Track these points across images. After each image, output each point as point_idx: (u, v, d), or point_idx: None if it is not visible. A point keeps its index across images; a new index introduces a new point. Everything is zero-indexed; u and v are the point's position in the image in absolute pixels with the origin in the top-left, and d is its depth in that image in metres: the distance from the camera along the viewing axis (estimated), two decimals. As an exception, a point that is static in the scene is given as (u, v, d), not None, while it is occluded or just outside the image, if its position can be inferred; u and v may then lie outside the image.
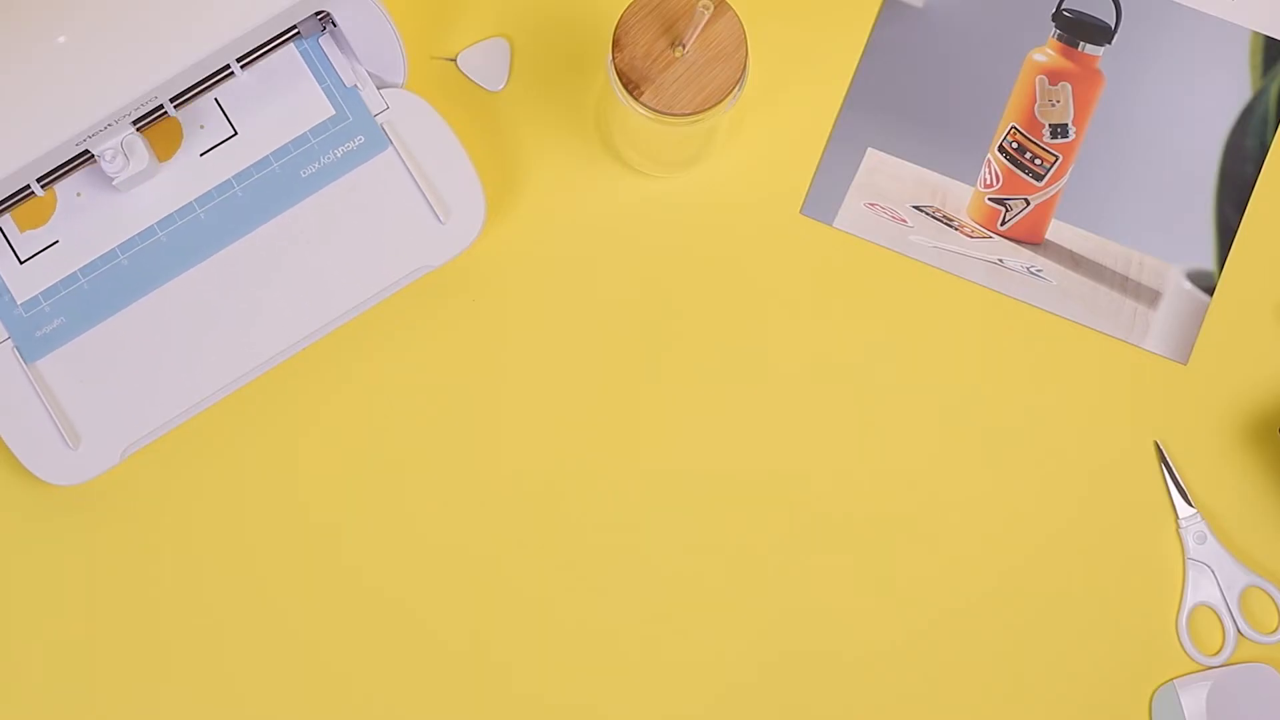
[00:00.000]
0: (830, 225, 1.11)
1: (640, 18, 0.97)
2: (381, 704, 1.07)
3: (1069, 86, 1.12)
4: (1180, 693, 1.07)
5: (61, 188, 1.06)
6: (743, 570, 1.09)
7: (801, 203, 1.11)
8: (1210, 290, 1.11)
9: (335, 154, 1.07)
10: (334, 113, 1.07)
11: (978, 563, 1.09)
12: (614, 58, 0.97)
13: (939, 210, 1.11)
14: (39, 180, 1.02)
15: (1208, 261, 1.11)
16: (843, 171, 1.11)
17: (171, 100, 1.02)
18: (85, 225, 1.06)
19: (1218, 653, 1.09)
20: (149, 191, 1.06)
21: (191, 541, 1.08)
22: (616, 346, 1.10)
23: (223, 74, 1.03)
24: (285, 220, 1.06)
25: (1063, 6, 1.12)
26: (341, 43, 1.06)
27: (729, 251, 1.11)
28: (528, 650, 1.08)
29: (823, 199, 1.11)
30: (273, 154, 1.07)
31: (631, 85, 0.97)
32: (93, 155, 1.02)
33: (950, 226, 1.11)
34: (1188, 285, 1.11)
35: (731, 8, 0.99)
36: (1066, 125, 1.12)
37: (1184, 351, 1.10)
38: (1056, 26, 1.12)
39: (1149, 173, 1.12)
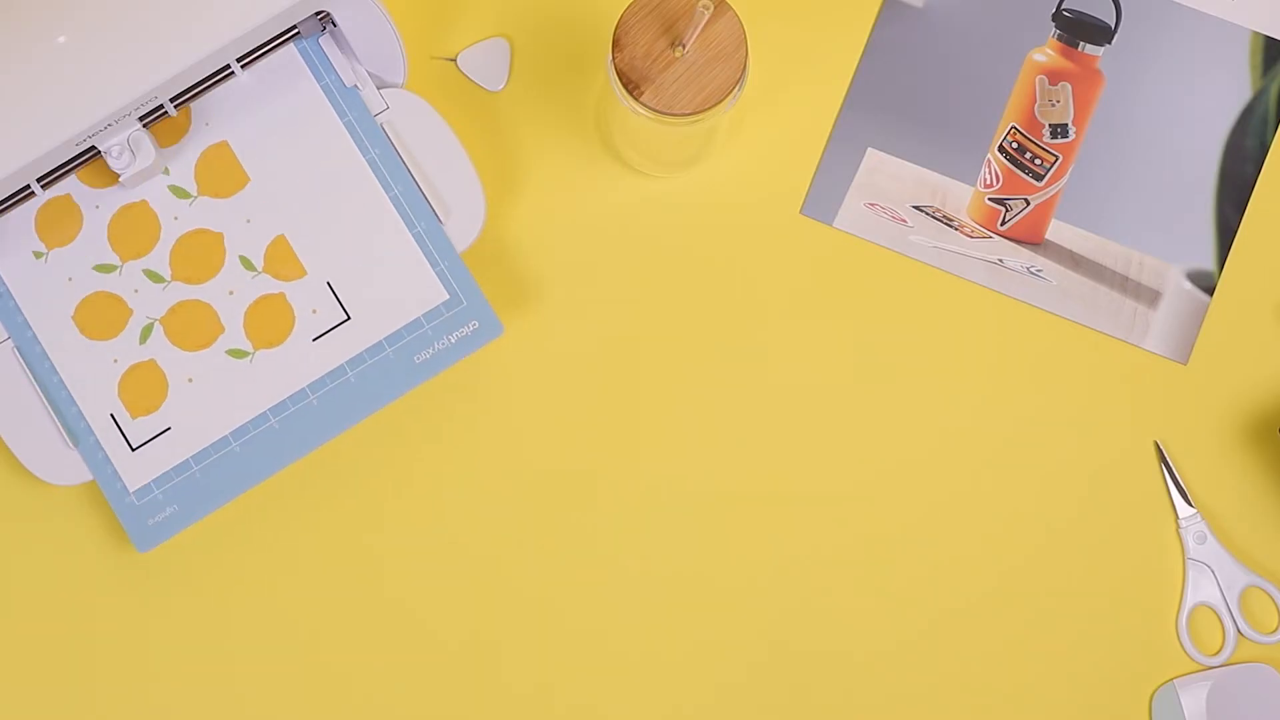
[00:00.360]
0: (830, 225, 1.11)
1: (640, 18, 0.97)
2: (381, 704, 1.07)
3: (1069, 86, 1.12)
4: (1180, 693, 1.07)
5: (172, 372, 1.04)
6: (742, 570, 1.08)
7: (801, 203, 1.11)
8: (1210, 290, 1.11)
9: (449, 339, 1.04)
10: (448, 297, 1.04)
11: (978, 563, 1.09)
12: (614, 58, 0.97)
13: (939, 210, 1.11)
14: (39, 180, 1.02)
15: (1208, 261, 1.11)
16: (843, 171, 1.11)
17: (172, 100, 1.02)
18: (198, 411, 1.04)
19: (1218, 653, 1.09)
20: (263, 378, 1.04)
21: (191, 540, 1.08)
22: (615, 346, 1.10)
23: (223, 74, 1.03)
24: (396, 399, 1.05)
25: (1063, 6, 1.12)
26: (341, 43, 1.06)
27: (729, 251, 1.11)
28: (528, 650, 1.08)
29: (823, 199, 1.11)
30: (386, 339, 1.04)
31: (631, 85, 0.97)
32: (98, 152, 1.02)
33: (950, 226, 1.11)
34: (1188, 285, 1.11)
35: (731, 8, 0.99)
36: (1066, 125, 1.12)
37: (1184, 351, 1.10)
38: (1056, 26, 1.12)
39: (1149, 173, 1.12)
